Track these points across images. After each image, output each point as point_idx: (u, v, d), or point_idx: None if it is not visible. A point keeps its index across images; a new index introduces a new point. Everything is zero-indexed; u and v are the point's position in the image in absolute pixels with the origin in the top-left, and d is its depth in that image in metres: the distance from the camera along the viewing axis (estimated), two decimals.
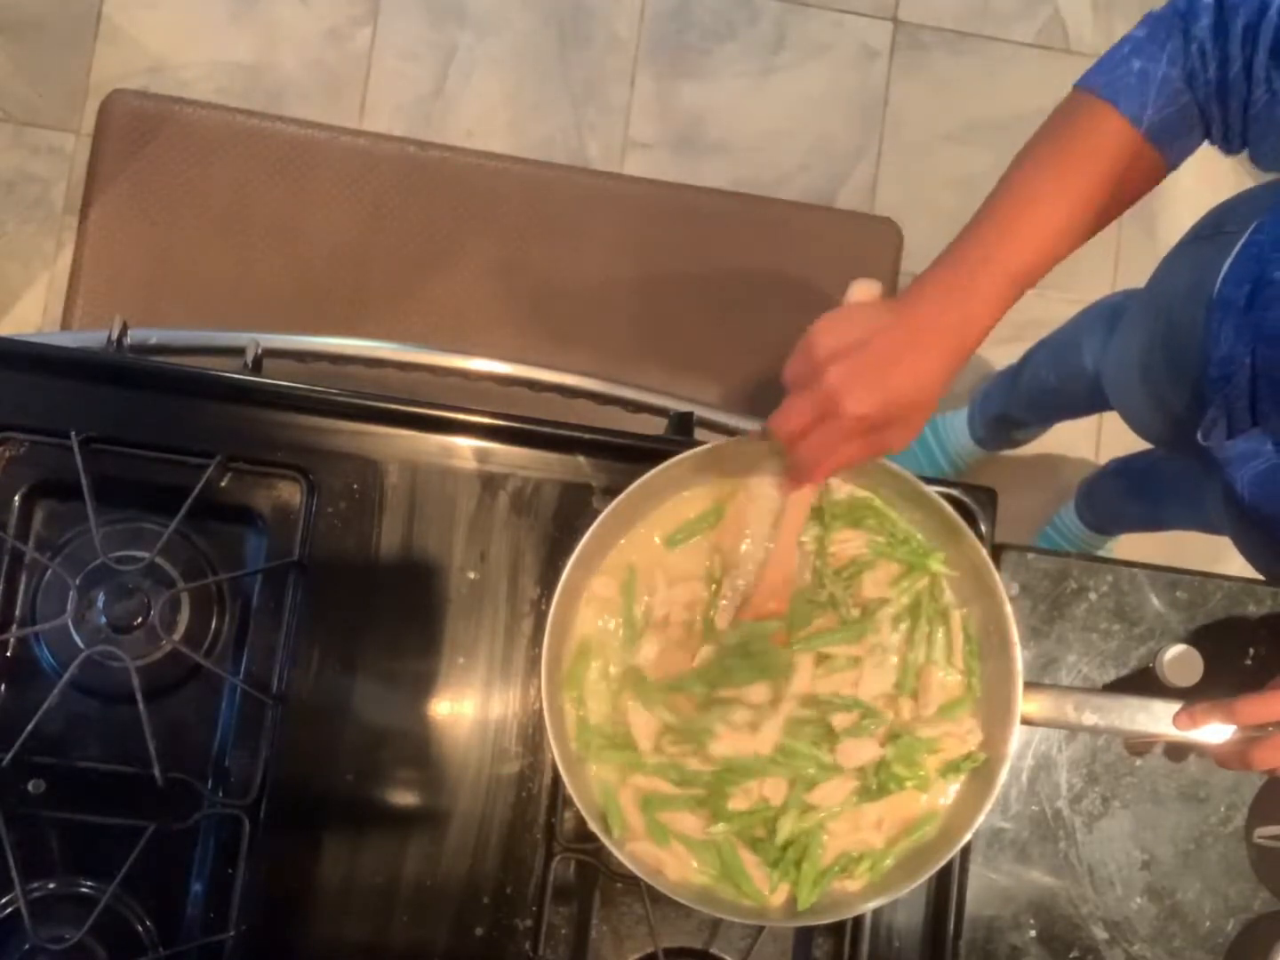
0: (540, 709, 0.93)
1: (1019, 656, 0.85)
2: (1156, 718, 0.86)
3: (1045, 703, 0.87)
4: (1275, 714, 0.82)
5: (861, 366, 0.77)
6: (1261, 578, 1.08)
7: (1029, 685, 0.86)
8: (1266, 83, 0.76)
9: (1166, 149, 0.80)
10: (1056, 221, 0.78)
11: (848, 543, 0.90)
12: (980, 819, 0.83)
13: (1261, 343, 0.93)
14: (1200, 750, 0.87)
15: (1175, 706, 0.86)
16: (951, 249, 0.80)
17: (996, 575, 0.86)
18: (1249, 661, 0.99)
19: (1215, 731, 0.84)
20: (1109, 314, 1.41)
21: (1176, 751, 0.94)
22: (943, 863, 0.84)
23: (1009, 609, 0.85)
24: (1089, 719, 0.87)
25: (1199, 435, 1.00)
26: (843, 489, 0.91)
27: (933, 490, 0.88)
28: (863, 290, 0.83)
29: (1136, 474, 1.68)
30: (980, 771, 0.87)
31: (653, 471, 0.85)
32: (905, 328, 0.78)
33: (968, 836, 0.83)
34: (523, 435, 0.95)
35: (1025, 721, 0.86)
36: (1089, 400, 1.48)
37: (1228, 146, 0.82)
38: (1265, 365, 0.93)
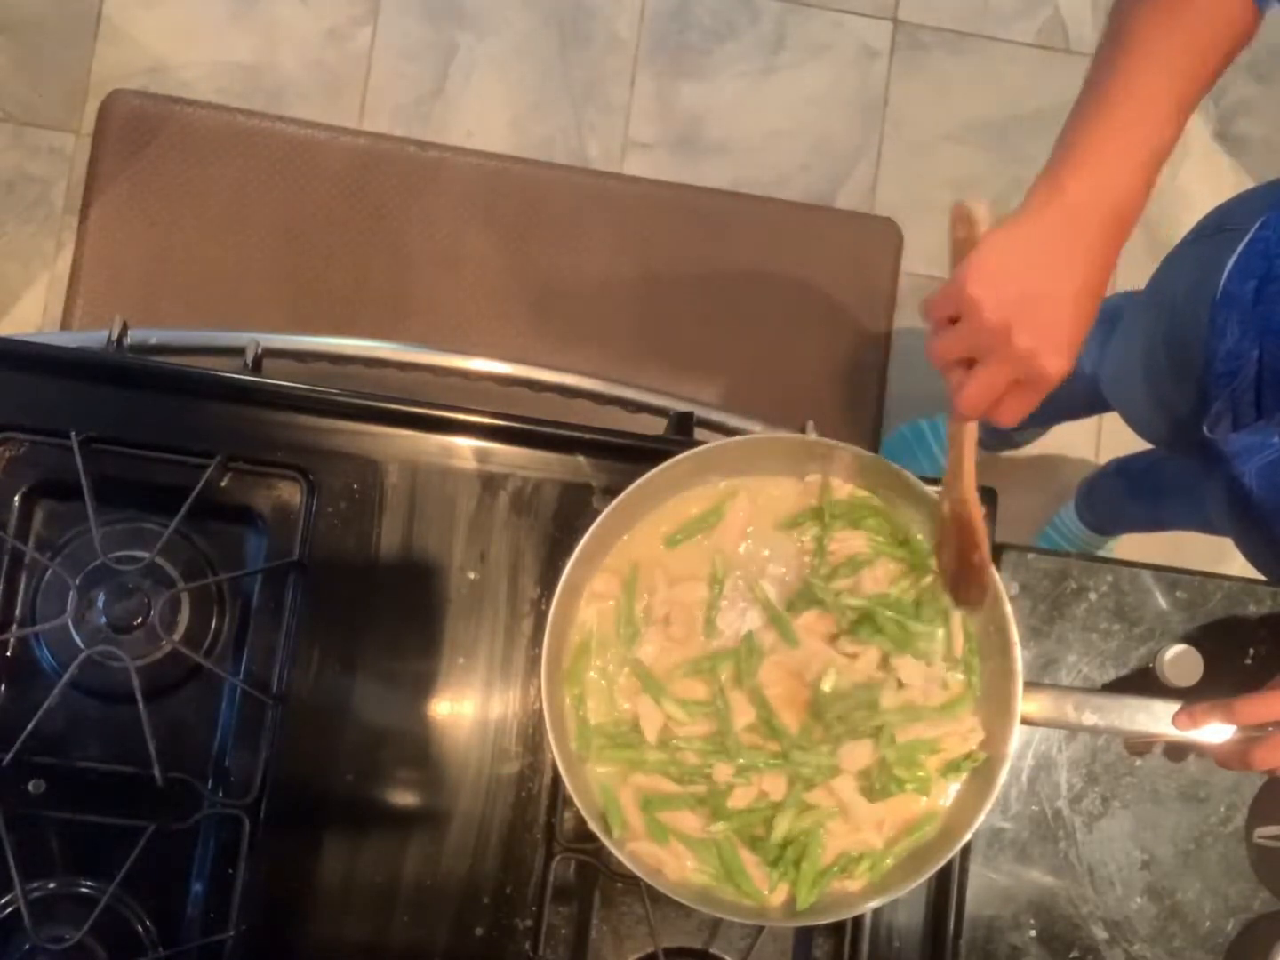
0: (540, 709, 0.93)
1: (1019, 656, 0.85)
2: (1156, 718, 0.86)
3: (1045, 702, 0.87)
4: (1275, 714, 0.82)
5: (1050, 321, 0.73)
6: (1262, 578, 1.08)
7: (1029, 685, 0.86)
8: None
9: (1261, 2, 0.76)
10: (1186, 87, 0.74)
11: (846, 541, 0.90)
12: (980, 819, 0.83)
13: (1269, 336, 0.93)
14: (1200, 750, 0.87)
15: (1175, 706, 0.86)
16: (1087, 133, 0.74)
17: (997, 575, 0.86)
18: (1249, 661, 0.99)
19: (1215, 731, 0.84)
20: (1106, 318, 1.41)
21: (1176, 752, 0.94)
22: (943, 863, 0.84)
23: (1009, 609, 0.85)
24: (1089, 719, 0.87)
25: (1204, 427, 1.00)
26: (843, 489, 0.91)
27: (932, 491, 0.88)
28: (979, 212, 0.77)
29: (1136, 474, 1.68)
30: (980, 771, 0.87)
31: (654, 471, 0.85)
32: (1075, 255, 0.73)
33: (967, 836, 0.83)
34: (523, 435, 0.95)
35: (1025, 721, 0.86)
36: (1087, 402, 1.48)
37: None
38: (1272, 358, 0.93)
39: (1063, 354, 0.74)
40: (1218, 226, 1.08)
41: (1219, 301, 1.00)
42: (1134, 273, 1.20)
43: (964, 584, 0.86)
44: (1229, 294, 0.99)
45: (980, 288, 0.73)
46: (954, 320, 0.75)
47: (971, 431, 0.83)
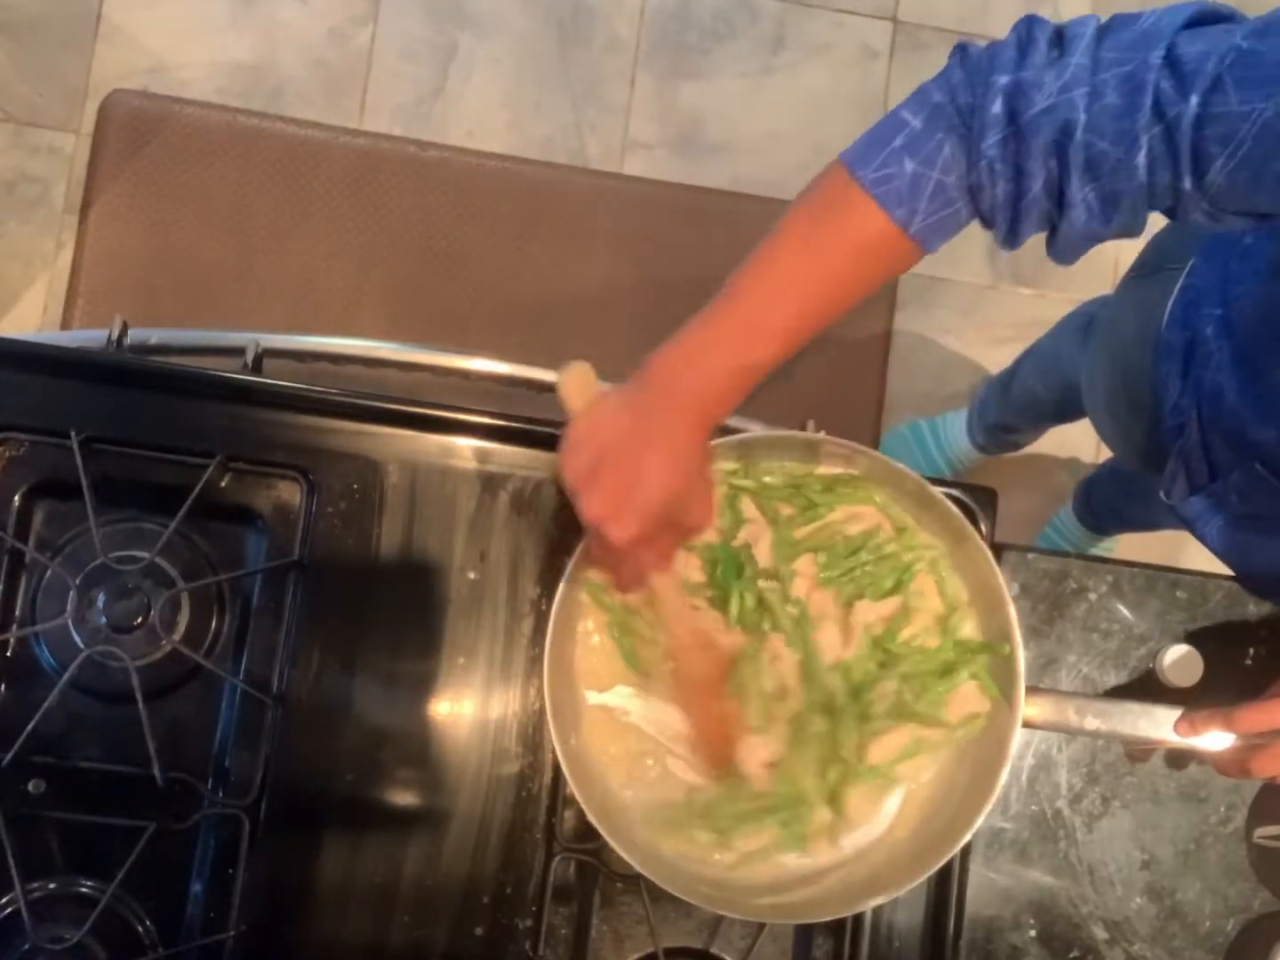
0: (540, 709, 0.93)
1: (1021, 659, 0.85)
2: (1158, 723, 0.86)
3: (1046, 707, 0.87)
4: (1274, 722, 0.82)
5: (609, 493, 0.75)
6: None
7: (1030, 689, 0.86)
8: (1083, 201, 0.70)
9: (929, 244, 0.76)
10: (805, 308, 0.76)
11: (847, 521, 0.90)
12: (980, 820, 0.83)
13: (1204, 400, 0.91)
14: (1201, 758, 0.87)
15: (1177, 712, 0.85)
16: (692, 325, 0.78)
17: (1002, 579, 0.86)
18: (1249, 661, 0.99)
19: (1215, 739, 0.84)
20: (1083, 324, 1.40)
21: (1178, 759, 0.93)
22: (943, 862, 0.84)
23: (1013, 611, 0.85)
24: (1090, 724, 0.87)
25: (1161, 494, 0.99)
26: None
27: (940, 491, 0.88)
28: (574, 379, 0.81)
29: (1130, 475, 1.68)
30: (981, 771, 0.86)
31: None
32: (651, 421, 0.76)
33: (968, 836, 0.83)
34: (523, 435, 0.95)
35: (1027, 725, 0.86)
36: (1079, 407, 1.48)
37: (1010, 244, 0.77)
38: (1210, 422, 0.91)
39: (630, 521, 0.75)
40: (1156, 264, 1.05)
41: (1160, 351, 0.98)
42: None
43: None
44: (1168, 344, 0.97)
45: (565, 458, 0.77)
46: None
47: (667, 583, 0.84)
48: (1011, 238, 0.76)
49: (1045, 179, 0.71)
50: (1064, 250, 0.76)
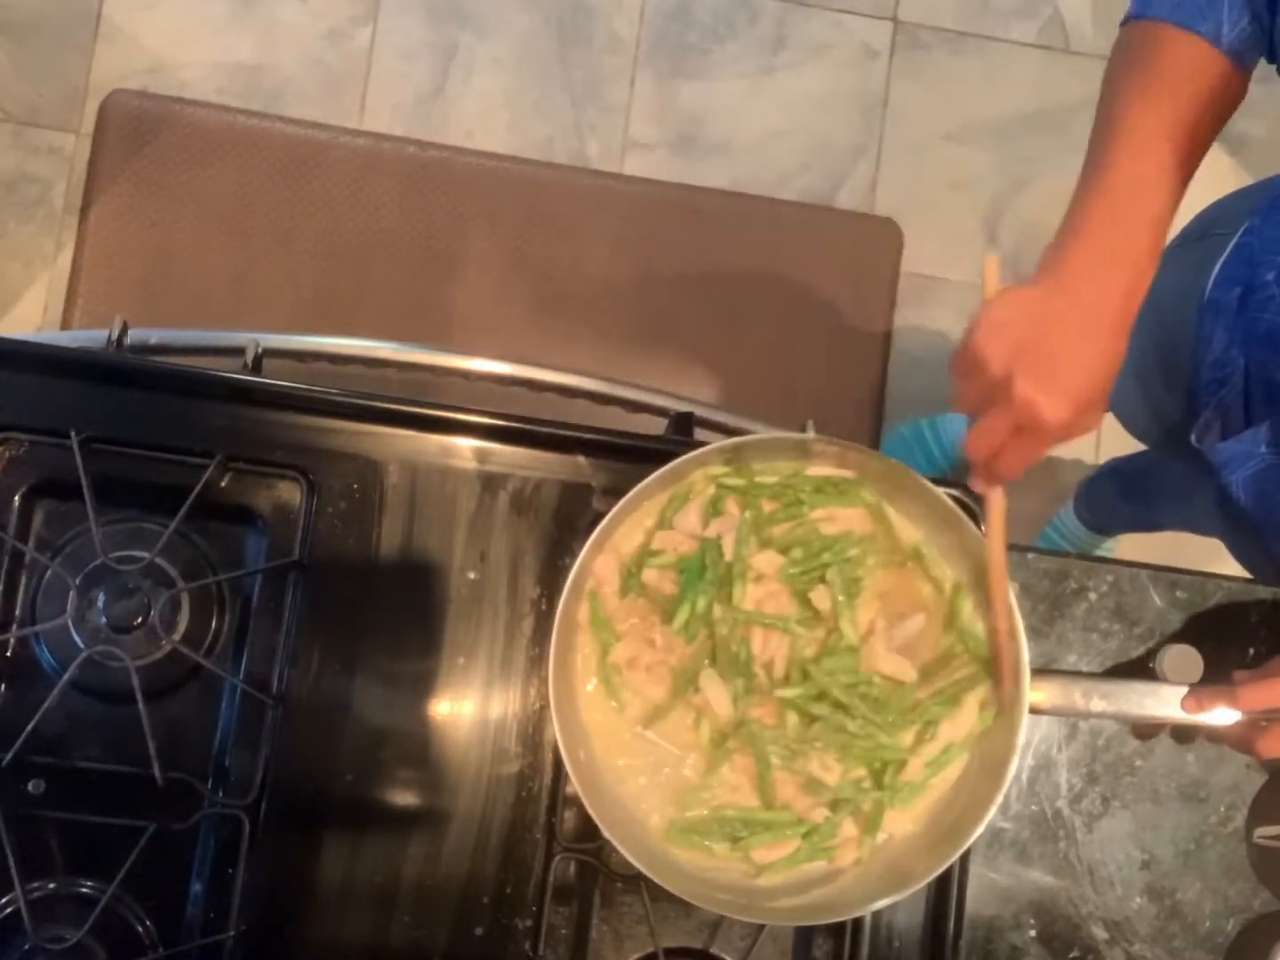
0: (540, 709, 0.93)
1: (1024, 645, 0.85)
2: (1164, 702, 0.87)
3: (1053, 690, 0.87)
4: (1277, 699, 0.83)
5: (1048, 371, 0.74)
6: (1267, 576, 1.08)
7: (1035, 672, 0.86)
8: None
9: (1243, 64, 0.78)
10: (1174, 160, 0.76)
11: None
12: (994, 808, 0.83)
13: (1255, 344, 0.93)
14: (1208, 733, 0.88)
15: (1183, 691, 0.87)
16: (1086, 207, 0.76)
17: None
18: (1249, 661, 0.99)
19: (1221, 715, 0.85)
20: None
21: (1183, 734, 0.95)
22: (959, 852, 0.84)
23: (1013, 600, 0.85)
24: (1097, 705, 0.87)
25: (1193, 438, 1.00)
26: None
27: (942, 491, 0.88)
28: (991, 268, 0.79)
29: (1132, 475, 1.68)
30: (988, 767, 0.86)
31: (645, 482, 0.85)
32: (1077, 313, 0.75)
33: (981, 827, 0.83)
34: (523, 435, 0.95)
35: (1034, 710, 0.86)
36: None
37: (1275, 57, 0.80)
38: (1259, 367, 0.93)
39: (1062, 402, 0.74)
40: (1203, 231, 1.08)
41: (1205, 308, 1.00)
42: None
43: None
44: (1214, 301, 0.99)
45: (984, 338, 0.75)
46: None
47: (1002, 499, 0.83)
48: (1271, 39, 0.77)
49: None
50: None
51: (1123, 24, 0.80)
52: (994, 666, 0.87)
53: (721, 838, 0.86)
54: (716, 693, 0.86)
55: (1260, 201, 1.01)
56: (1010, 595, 0.86)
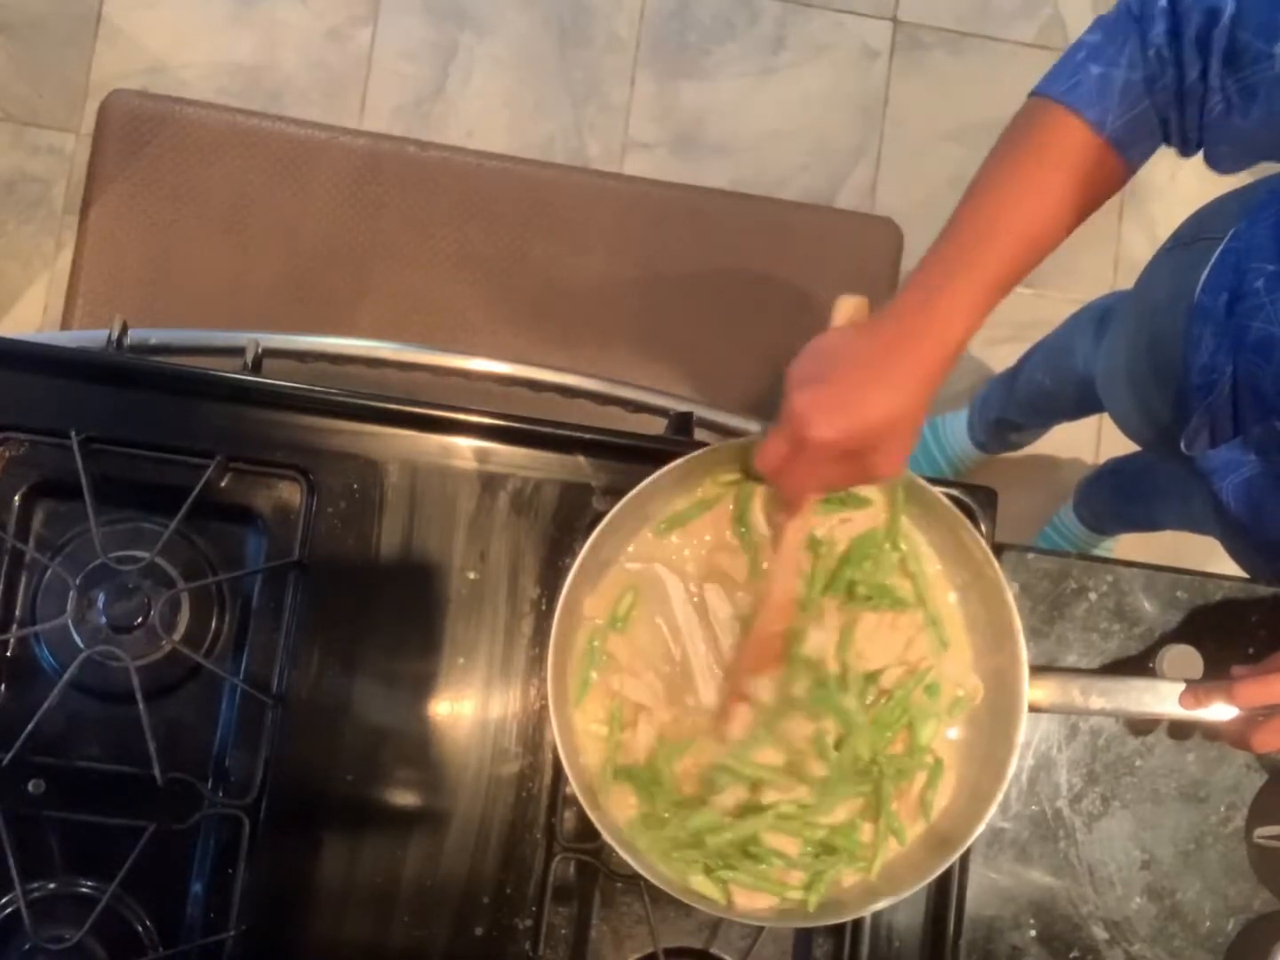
0: (540, 708, 0.93)
1: (1023, 644, 0.85)
2: (1162, 698, 0.88)
3: (1052, 688, 0.88)
4: (1273, 696, 0.84)
5: (827, 393, 0.77)
6: (1262, 577, 1.08)
7: (1035, 670, 0.86)
8: (1221, 90, 0.75)
9: (1128, 154, 0.79)
10: (1026, 229, 0.78)
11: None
12: (993, 808, 0.83)
13: (1244, 351, 0.92)
14: (1204, 729, 0.88)
15: (1180, 687, 0.88)
16: (924, 261, 0.79)
17: (997, 566, 0.86)
18: (1248, 661, 0.99)
19: (1220, 710, 0.86)
20: (1098, 316, 1.41)
21: (1181, 731, 0.95)
22: (961, 850, 0.84)
23: (1010, 597, 0.86)
24: (1095, 703, 0.88)
25: (1182, 444, 1.00)
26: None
27: (940, 491, 0.88)
28: (847, 308, 0.83)
29: (1131, 475, 1.68)
30: (990, 761, 0.86)
31: (652, 477, 0.85)
32: (876, 348, 0.77)
33: (981, 826, 0.83)
34: (523, 435, 0.95)
35: (1033, 708, 0.86)
36: (1084, 403, 1.48)
37: (1185, 150, 0.81)
38: (1247, 375, 0.93)
39: (827, 424, 0.76)
40: (1194, 235, 1.08)
41: (1194, 313, 1.00)
42: (1135, 273, 1.20)
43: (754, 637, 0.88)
44: (1203, 306, 0.99)
45: (796, 361, 0.80)
46: None
47: (801, 525, 0.86)
48: (1182, 134, 0.79)
49: (1201, 68, 0.74)
50: (1215, 153, 0.79)
51: (1029, 95, 0.82)
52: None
53: (699, 868, 0.86)
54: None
55: (1246, 205, 1.01)
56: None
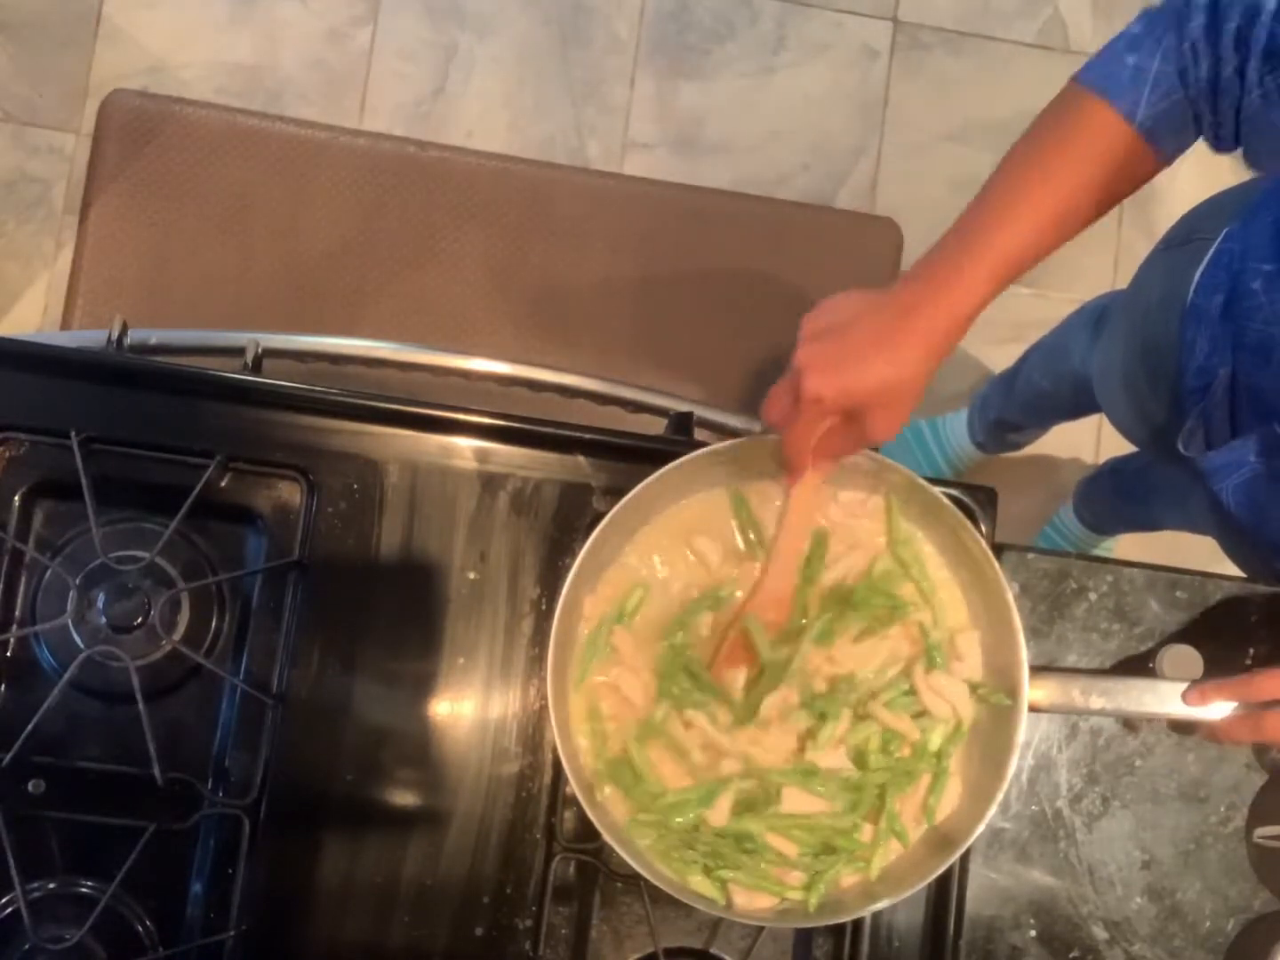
0: (540, 708, 0.93)
1: (1023, 644, 0.85)
2: (1163, 699, 0.88)
3: (1052, 688, 0.87)
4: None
5: (830, 349, 0.78)
6: (1262, 577, 1.08)
7: (1034, 670, 0.86)
8: (1260, 86, 0.76)
9: (1160, 145, 0.80)
10: (1046, 213, 0.78)
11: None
12: (993, 809, 0.83)
13: (1242, 353, 0.92)
14: (1206, 728, 0.88)
15: (1181, 687, 0.88)
16: (944, 237, 0.80)
17: (997, 566, 0.86)
18: (1249, 661, 0.99)
19: (1223, 709, 0.86)
20: (1094, 317, 1.41)
21: (1183, 725, 0.95)
22: (960, 851, 0.84)
23: (1010, 597, 0.86)
24: (1096, 703, 0.88)
25: (1179, 445, 1.00)
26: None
27: (939, 491, 0.88)
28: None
29: (1130, 475, 1.68)
30: (990, 762, 0.86)
31: (644, 483, 0.85)
32: (887, 312, 0.78)
33: (981, 826, 0.83)
34: (523, 435, 0.95)
35: (1033, 708, 0.86)
36: (1081, 403, 1.48)
37: (1219, 145, 0.82)
38: (1245, 375, 0.92)
39: (826, 381, 0.78)
40: (1186, 236, 1.08)
41: (1187, 315, 1.00)
42: (1129, 273, 1.20)
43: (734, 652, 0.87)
44: (1197, 307, 0.99)
45: (809, 316, 0.81)
46: None
47: (804, 497, 0.86)
48: (1215, 129, 0.79)
49: (1238, 64, 0.75)
50: (1254, 151, 0.80)
51: (1069, 81, 0.83)
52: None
53: (698, 868, 0.85)
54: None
55: (1240, 205, 1.01)
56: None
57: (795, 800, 0.85)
